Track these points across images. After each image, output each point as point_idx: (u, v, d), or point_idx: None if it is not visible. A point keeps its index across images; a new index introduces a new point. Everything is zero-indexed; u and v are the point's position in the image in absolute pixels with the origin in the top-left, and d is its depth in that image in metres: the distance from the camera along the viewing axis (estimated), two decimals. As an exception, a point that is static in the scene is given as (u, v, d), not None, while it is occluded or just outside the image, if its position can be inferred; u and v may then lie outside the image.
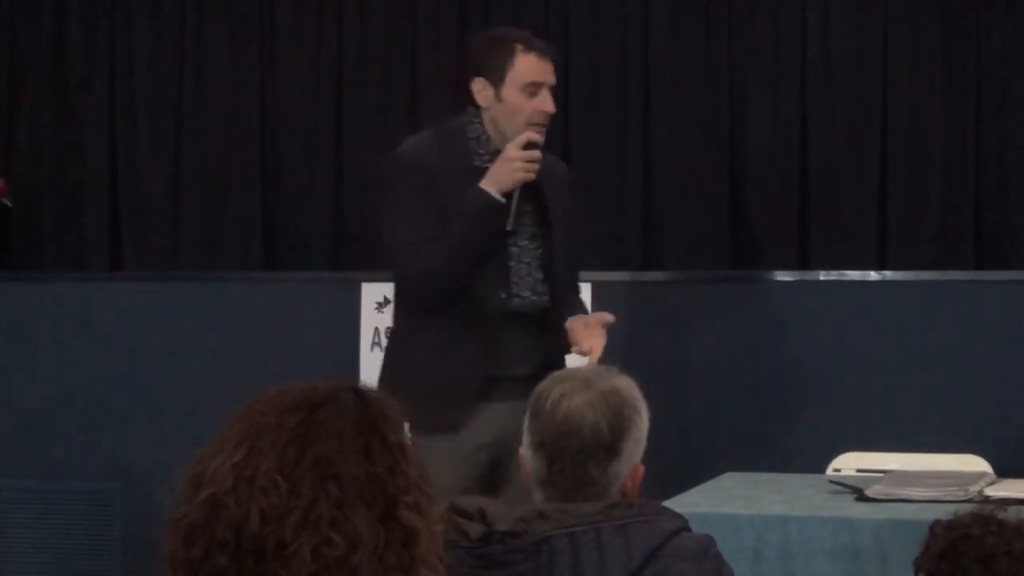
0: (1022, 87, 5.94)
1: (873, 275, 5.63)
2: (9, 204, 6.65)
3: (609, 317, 4.23)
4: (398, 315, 4.32)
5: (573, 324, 4.23)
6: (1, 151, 6.80)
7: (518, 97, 4.17)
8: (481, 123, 4.21)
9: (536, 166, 4.11)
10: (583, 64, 6.31)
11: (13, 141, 6.82)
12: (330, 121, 6.56)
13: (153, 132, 6.70)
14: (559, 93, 4.20)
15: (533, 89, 4.17)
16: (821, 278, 5.68)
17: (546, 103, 4.18)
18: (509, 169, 4.09)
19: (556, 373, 2.85)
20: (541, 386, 2.79)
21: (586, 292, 5.28)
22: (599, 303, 5.33)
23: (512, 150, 4.10)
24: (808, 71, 6.12)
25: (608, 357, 3.99)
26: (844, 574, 3.61)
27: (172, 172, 6.68)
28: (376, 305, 5.68)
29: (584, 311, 4.38)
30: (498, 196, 4.10)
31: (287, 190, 6.61)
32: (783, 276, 5.79)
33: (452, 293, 4.12)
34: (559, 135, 5.91)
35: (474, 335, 4.13)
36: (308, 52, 6.60)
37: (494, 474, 4.13)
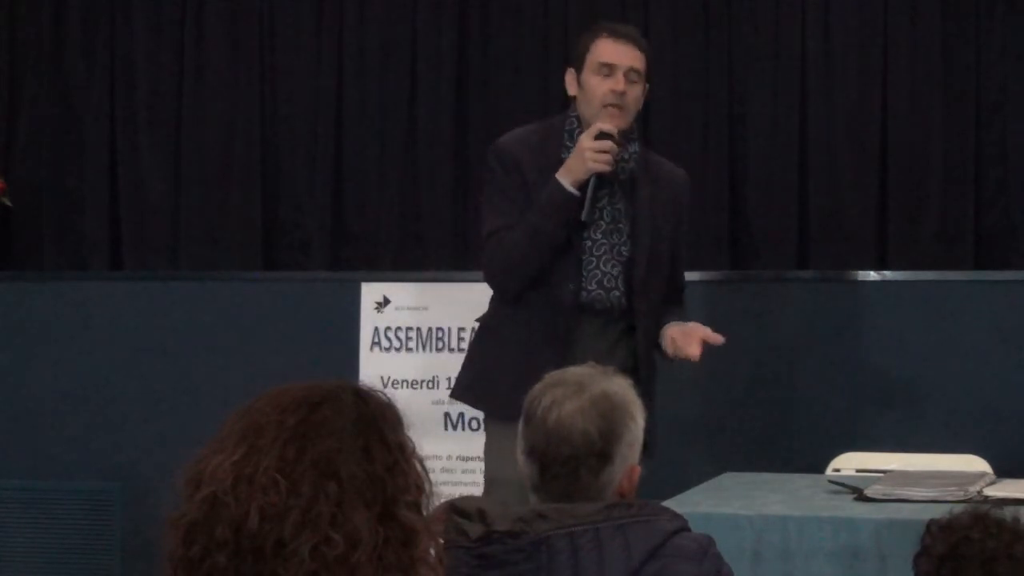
0: (1022, 87, 5.94)
1: (873, 275, 5.63)
2: (9, 204, 6.65)
3: (715, 337, 4.15)
4: (490, 304, 4.32)
5: (671, 330, 4.19)
6: (1, 151, 6.80)
7: (592, 79, 4.19)
8: (577, 115, 4.24)
9: (609, 156, 4.09)
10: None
11: (13, 141, 6.82)
12: (330, 121, 6.55)
13: (153, 132, 6.69)
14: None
15: (606, 70, 4.18)
16: (821, 278, 5.68)
17: (616, 83, 4.16)
18: (580, 160, 4.09)
19: (549, 376, 2.82)
20: (533, 391, 2.79)
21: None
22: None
23: (584, 140, 4.10)
24: (808, 71, 6.11)
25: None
26: (844, 574, 3.60)
27: (172, 172, 6.67)
28: (376, 305, 5.68)
29: (684, 317, 4.31)
30: (569, 187, 4.10)
31: (287, 190, 6.60)
32: (783, 276, 5.79)
33: (527, 281, 4.14)
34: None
35: (548, 325, 4.12)
36: (308, 52, 6.59)
37: None
